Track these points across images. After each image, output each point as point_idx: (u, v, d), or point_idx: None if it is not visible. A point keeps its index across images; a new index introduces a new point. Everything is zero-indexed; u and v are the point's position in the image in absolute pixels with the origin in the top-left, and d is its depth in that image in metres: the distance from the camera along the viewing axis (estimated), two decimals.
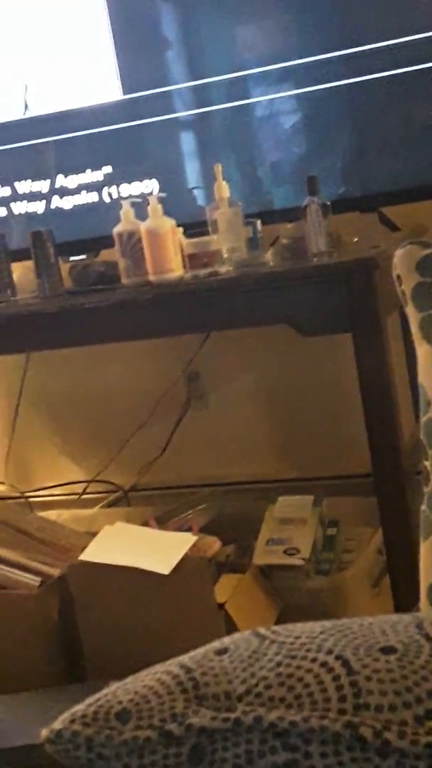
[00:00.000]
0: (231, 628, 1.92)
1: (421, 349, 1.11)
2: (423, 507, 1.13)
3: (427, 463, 1.12)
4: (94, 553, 2.00)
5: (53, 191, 2.44)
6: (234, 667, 0.57)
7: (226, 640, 0.62)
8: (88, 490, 2.79)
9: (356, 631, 0.58)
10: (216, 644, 0.61)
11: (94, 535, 2.11)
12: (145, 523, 2.22)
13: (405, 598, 1.89)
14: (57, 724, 0.58)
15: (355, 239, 2.11)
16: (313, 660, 0.56)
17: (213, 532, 2.18)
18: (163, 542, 2.02)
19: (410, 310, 1.12)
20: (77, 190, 2.41)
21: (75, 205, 2.42)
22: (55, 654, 1.98)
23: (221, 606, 1.95)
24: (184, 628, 1.88)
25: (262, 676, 0.56)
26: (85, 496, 2.79)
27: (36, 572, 1.99)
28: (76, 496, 2.80)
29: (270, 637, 0.60)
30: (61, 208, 2.44)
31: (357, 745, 0.51)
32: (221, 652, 0.60)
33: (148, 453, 2.67)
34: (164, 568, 1.90)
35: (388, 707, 0.52)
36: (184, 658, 0.60)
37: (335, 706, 0.53)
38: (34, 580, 1.97)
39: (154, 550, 1.99)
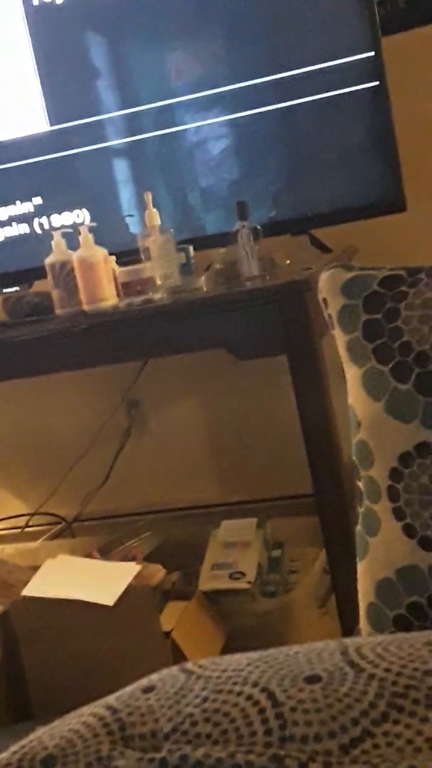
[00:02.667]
0: (178, 656, 1.91)
1: (349, 371, 1.12)
2: (358, 527, 1.14)
3: (359, 484, 1.13)
4: (36, 587, 1.97)
5: None
6: (161, 705, 0.57)
7: (154, 677, 0.61)
8: (30, 523, 2.76)
9: (282, 661, 0.58)
10: (143, 682, 0.61)
11: (38, 568, 2.09)
12: (89, 555, 2.20)
13: (351, 617, 1.88)
14: None
15: (288, 262, 2.13)
16: (239, 693, 0.56)
17: (158, 560, 2.17)
18: (107, 573, 2.01)
19: (337, 333, 1.13)
20: (8, 221, 2.40)
21: (6, 237, 2.41)
22: (0, 693, 1.95)
23: (168, 634, 1.93)
24: (132, 659, 1.86)
25: (189, 713, 0.55)
26: (28, 529, 2.76)
27: None
28: (19, 530, 2.76)
29: (197, 672, 0.60)
30: None
31: None
32: (148, 690, 0.59)
33: (90, 483, 2.66)
34: (108, 599, 1.89)
35: (314, 737, 0.52)
36: (111, 699, 0.60)
37: (261, 739, 0.52)
38: None
39: (98, 581, 1.97)
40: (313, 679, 0.55)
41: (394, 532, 1.06)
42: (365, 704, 0.53)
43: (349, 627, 1.91)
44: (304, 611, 2.12)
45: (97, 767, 0.53)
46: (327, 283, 1.14)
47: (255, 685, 0.56)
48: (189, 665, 0.61)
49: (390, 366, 1.06)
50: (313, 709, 0.53)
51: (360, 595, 1.14)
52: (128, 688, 0.60)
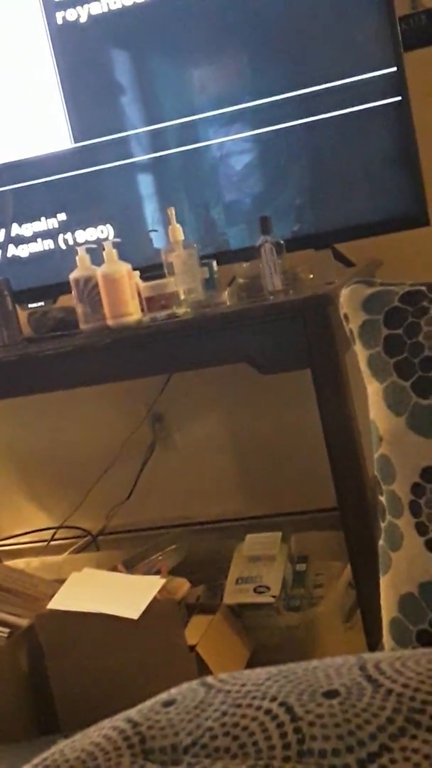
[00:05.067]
0: (203, 670, 1.91)
1: (370, 386, 1.12)
2: (381, 542, 1.14)
3: (382, 498, 1.13)
4: (62, 600, 1.98)
5: (9, 240, 2.45)
6: (180, 719, 0.57)
7: (174, 691, 0.62)
8: (56, 537, 2.77)
9: (300, 675, 0.58)
10: (163, 696, 0.61)
11: (63, 582, 2.10)
12: (114, 568, 2.20)
13: (377, 632, 1.88)
14: None
15: (311, 276, 2.13)
16: (258, 708, 0.56)
17: (183, 574, 2.17)
18: (132, 586, 2.01)
19: (358, 348, 1.14)
20: (33, 238, 2.42)
21: (31, 253, 2.43)
22: (26, 706, 1.96)
23: (192, 648, 1.94)
24: (157, 673, 1.87)
25: (208, 727, 0.56)
26: (53, 543, 2.77)
27: (4, 624, 1.97)
28: (45, 543, 2.78)
29: (216, 686, 0.60)
30: (18, 256, 2.45)
31: None
32: (168, 703, 0.59)
33: (115, 496, 2.67)
34: (133, 612, 1.89)
35: (332, 752, 0.52)
36: (132, 712, 0.60)
37: (279, 753, 0.53)
38: (2, 632, 1.95)
39: (123, 594, 1.98)
40: (331, 694, 0.56)
41: (416, 547, 1.06)
42: (383, 719, 0.53)
43: (374, 641, 1.91)
44: (329, 626, 2.11)
45: None
46: (348, 299, 1.14)
47: (274, 699, 0.56)
48: (209, 679, 0.61)
49: (411, 381, 1.06)
50: (331, 724, 0.53)
51: (383, 610, 1.14)
52: (148, 702, 0.61)
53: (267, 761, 0.52)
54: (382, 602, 1.14)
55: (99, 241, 2.24)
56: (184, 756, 0.54)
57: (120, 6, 2.26)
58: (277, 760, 0.52)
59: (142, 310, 2.08)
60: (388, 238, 2.19)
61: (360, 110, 2.12)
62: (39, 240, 2.42)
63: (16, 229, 2.44)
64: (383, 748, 0.52)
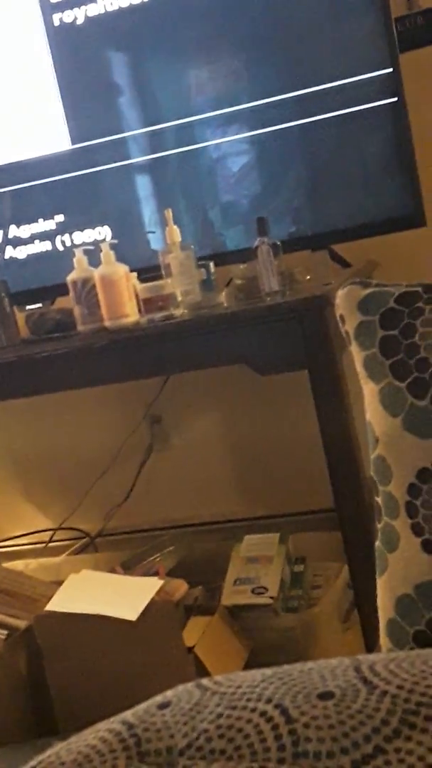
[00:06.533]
0: (201, 671, 1.91)
1: (366, 387, 1.12)
2: (377, 543, 1.15)
3: (378, 499, 1.13)
4: (60, 602, 1.99)
5: (6, 241, 2.45)
6: (176, 721, 0.57)
7: (169, 694, 0.62)
8: (54, 538, 2.78)
9: (296, 677, 0.59)
10: (158, 698, 0.61)
11: (61, 583, 2.10)
12: (112, 570, 2.21)
13: (375, 632, 1.88)
14: None
15: (308, 277, 2.14)
16: (253, 710, 0.56)
17: (181, 575, 2.17)
18: (130, 588, 2.02)
19: (354, 349, 1.14)
20: (30, 239, 2.43)
21: (29, 255, 2.44)
22: (25, 708, 1.96)
23: (190, 649, 1.94)
24: (155, 674, 1.87)
25: (203, 729, 0.56)
26: (51, 544, 2.77)
27: (2, 625, 1.98)
28: (43, 545, 2.78)
29: (212, 688, 0.60)
30: (15, 258, 2.45)
31: None
32: (163, 706, 0.60)
33: (113, 498, 2.67)
34: (131, 614, 1.89)
35: (326, 754, 0.52)
36: (127, 714, 0.60)
37: (274, 755, 0.53)
38: (0, 634, 1.95)
39: (121, 596, 1.98)
40: (326, 696, 0.56)
41: (412, 548, 1.06)
42: (377, 721, 0.54)
43: (372, 642, 1.91)
44: (327, 626, 2.12)
45: None
46: (344, 300, 1.15)
47: (269, 701, 0.56)
48: (204, 681, 0.62)
49: (407, 382, 1.06)
50: (326, 726, 0.54)
51: (380, 611, 1.14)
52: (144, 704, 0.61)
53: (262, 763, 0.53)
54: (379, 603, 1.14)
55: (96, 243, 2.24)
56: (179, 758, 0.55)
57: (117, 8, 2.26)
58: (272, 761, 0.53)
59: (140, 311, 2.08)
60: (385, 239, 2.19)
61: (356, 111, 2.13)
62: (37, 241, 2.42)
63: (14, 231, 2.44)
64: (378, 749, 0.52)
